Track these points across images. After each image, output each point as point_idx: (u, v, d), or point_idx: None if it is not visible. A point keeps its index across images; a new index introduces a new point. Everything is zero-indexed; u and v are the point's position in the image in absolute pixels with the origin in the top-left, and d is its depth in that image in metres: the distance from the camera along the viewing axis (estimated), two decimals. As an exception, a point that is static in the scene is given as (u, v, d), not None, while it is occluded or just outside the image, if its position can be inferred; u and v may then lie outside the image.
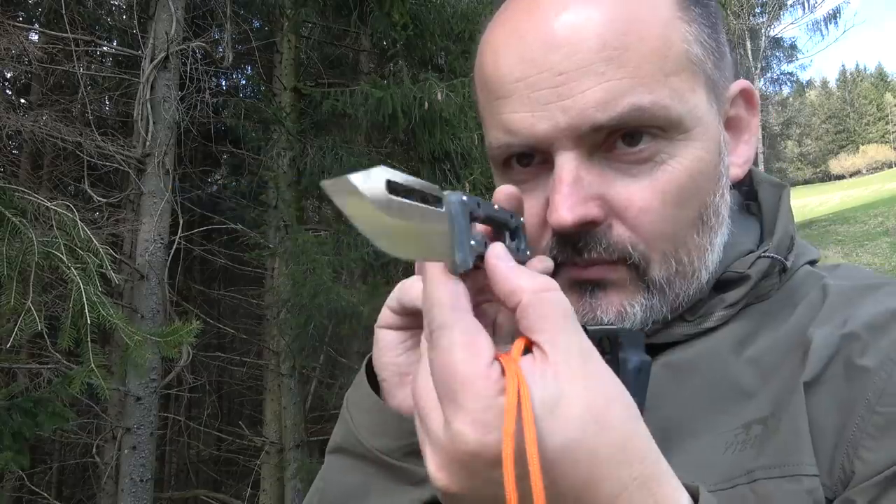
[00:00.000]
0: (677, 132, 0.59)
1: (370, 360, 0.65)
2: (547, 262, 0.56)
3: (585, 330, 0.46)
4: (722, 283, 0.65)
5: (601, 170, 0.59)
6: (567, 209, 0.56)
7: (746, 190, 0.75)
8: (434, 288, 0.45)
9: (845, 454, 0.53)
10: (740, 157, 0.68)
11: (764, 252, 0.66)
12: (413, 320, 0.60)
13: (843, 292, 0.63)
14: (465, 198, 0.47)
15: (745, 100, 0.68)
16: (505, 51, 0.61)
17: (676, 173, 0.59)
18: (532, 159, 0.62)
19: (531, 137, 0.59)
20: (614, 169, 0.59)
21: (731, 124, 0.67)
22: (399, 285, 0.60)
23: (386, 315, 0.61)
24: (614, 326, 0.58)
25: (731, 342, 0.63)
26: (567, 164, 0.58)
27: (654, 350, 0.63)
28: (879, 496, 0.51)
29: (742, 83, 0.68)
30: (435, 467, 0.44)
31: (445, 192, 0.46)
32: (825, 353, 0.57)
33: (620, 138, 0.58)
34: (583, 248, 0.59)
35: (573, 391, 0.41)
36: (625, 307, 0.61)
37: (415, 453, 0.59)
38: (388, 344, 0.61)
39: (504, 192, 0.55)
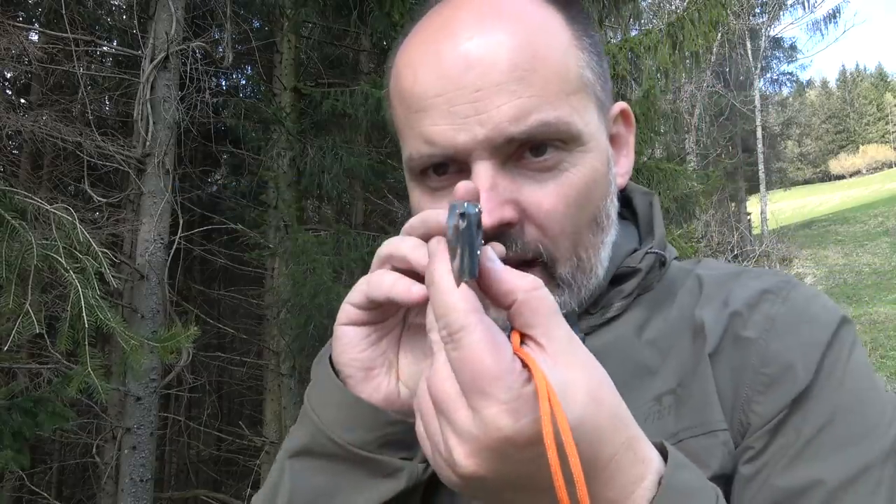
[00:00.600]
0: (576, 145, 0.66)
1: (331, 359, 0.66)
2: (500, 247, 0.61)
3: None
4: (617, 278, 0.74)
5: (513, 177, 0.65)
6: (487, 213, 0.61)
7: (619, 198, 0.83)
8: (446, 295, 0.50)
9: (741, 410, 0.64)
10: (622, 168, 0.77)
11: (650, 249, 0.76)
12: (378, 314, 0.63)
13: (715, 280, 0.74)
14: (477, 209, 0.51)
15: (624, 119, 0.77)
16: (423, 68, 0.66)
17: (576, 180, 0.66)
18: (448, 168, 0.67)
19: (451, 148, 0.64)
20: (524, 176, 0.65)
21: (613, 140, 0.76)
22: (364, 280, 0.62)
23: (349, 312, 0.63)
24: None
25: (632, 328, 0.72)
26: (484, 171, 0.63)
27: None
28: (770, 440, 0.63)
29: (621, 105, 0.76)
30: (463, 455, 0.49)
31: (465, 205, 0.50)
32: (719, 330, 0.68)
33: (528, 150, 0.65)
34: None
35: (574, 377, 0.49)
36: None
37: (389, 444, 0.63)
38: (350, 340, 0.63)
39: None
